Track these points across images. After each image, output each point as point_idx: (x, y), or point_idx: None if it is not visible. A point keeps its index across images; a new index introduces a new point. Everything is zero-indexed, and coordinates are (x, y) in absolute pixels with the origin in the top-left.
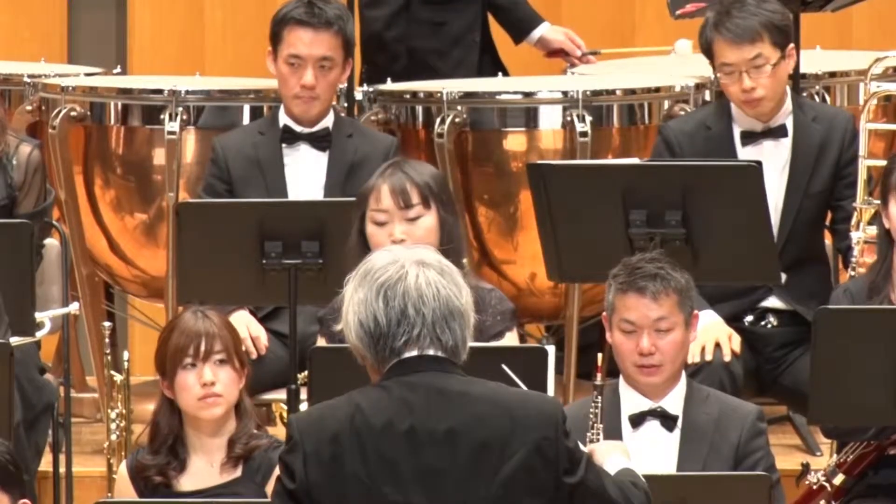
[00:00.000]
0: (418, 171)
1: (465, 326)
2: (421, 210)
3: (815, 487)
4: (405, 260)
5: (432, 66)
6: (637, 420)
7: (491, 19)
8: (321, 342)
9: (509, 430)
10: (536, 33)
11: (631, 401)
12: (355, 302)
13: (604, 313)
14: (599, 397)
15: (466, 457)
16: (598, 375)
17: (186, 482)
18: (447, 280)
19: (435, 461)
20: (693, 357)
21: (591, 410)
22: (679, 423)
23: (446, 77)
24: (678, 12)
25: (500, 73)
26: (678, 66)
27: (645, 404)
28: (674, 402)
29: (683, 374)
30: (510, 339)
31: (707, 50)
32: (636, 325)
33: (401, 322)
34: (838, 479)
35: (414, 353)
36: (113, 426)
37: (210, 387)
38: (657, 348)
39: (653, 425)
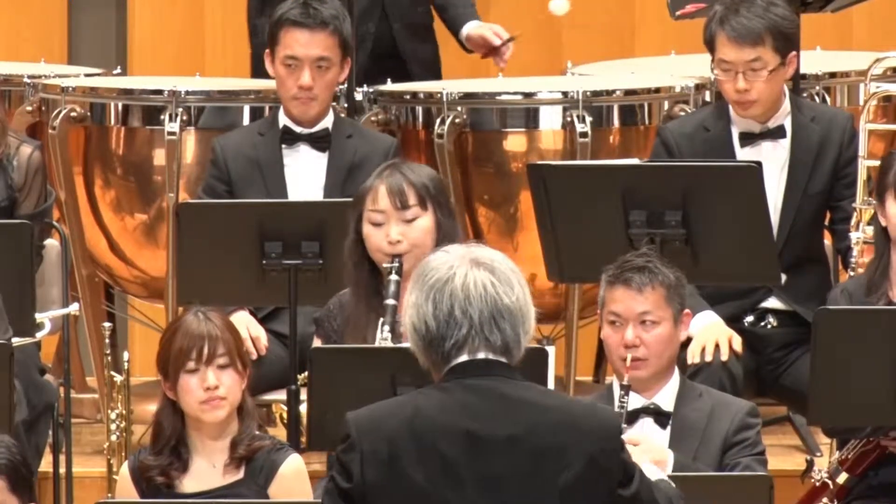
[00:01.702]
0: (416, 172)
1: (517, 324)
2: (418, 211)
3: (818, 484)
4: (457, 259)
5: None
6: (630, 418)
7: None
8: (317, 343)
9: (569, 438)
10: (464, 32)
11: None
12: (410, 305)
13: (598, 310)
14: (626, 397)
15: (526, 463)
16: (626, 375)
17: (189, 483)
18: (498, 277)
19: (495, 467)
20: (693, 358)
21: (616, 410)
22: (671, 419)
23: None
24: (678, 13)
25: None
26: (678, 66)
27: (638, 402)
28: (666, 398)
29: (676, 371)
30: None
31: (709, 43)
32: (622, 317)
33: (449, 324)
34: (842, 478)
35: (464, 356)
36: (113, 427)
37: (213, 390)
38: (642, 341)
39: (646, 422)
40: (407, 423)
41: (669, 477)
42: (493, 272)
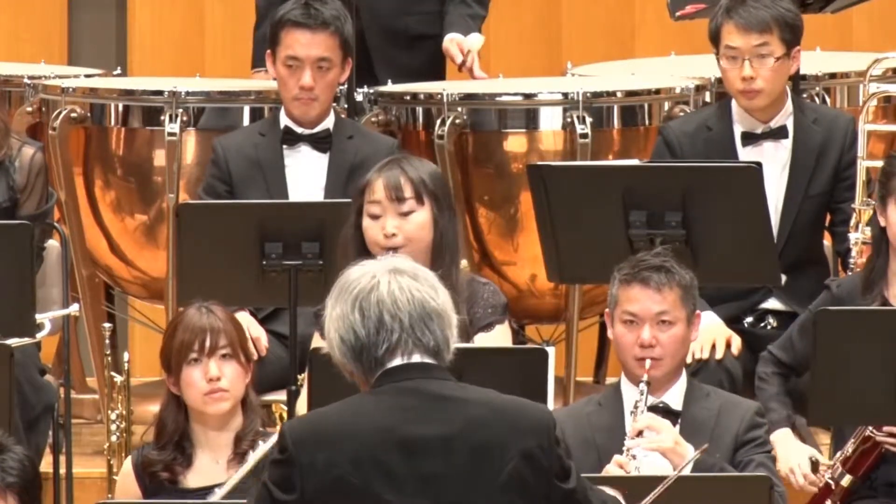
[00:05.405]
0: (415, 166)
1: (445, 326)
2: (413, 205)
3: (821, 485)
4: (377, 270)
5: None
6: None
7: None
8: (317, 337)
9: (504, 435)
10: (444, 42)
11: (632, 398)
12: (334, 318)
13: (606, 310)
14: (644, 395)
15: (464, 462)
16: (645, 374)
17: (192, 478)
18: (421, 283)
19: (432, 467)
20: (692, 357)
21: (637, 403)
22: (680, 418)
23: None
24: (678, 14)
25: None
26: (678, 67)
27: (647, 400)
28: (674, 397)
29: (684, 371)
30: (500, 333)
31: (714, 35)
32: (638, 316)
33: (379, 330)
34: (846, 480)
35: (398, 360)
36: (113, 427)
37: (216, 382)
38: (658, 341)
39: None
40: (343, 430)
41: (661, 478)
42: (416, 278)
